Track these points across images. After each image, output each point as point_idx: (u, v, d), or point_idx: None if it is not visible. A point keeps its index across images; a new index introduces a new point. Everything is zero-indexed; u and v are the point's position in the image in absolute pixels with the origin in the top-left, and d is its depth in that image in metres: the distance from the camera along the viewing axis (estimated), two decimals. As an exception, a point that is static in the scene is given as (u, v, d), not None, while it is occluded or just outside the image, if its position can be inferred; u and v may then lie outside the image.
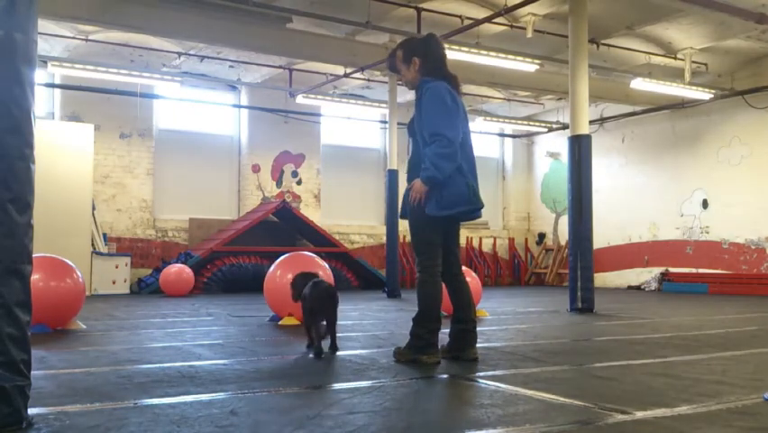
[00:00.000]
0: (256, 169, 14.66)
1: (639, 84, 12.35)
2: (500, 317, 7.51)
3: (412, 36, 4.43)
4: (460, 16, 10.42)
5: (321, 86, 13.27)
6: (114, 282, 11.90)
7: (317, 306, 4.30)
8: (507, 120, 16.15)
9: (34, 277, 2.57)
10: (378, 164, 16.18)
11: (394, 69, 4.16)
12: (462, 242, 16.95)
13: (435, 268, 3.93)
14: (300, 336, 5.28)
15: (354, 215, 15.83)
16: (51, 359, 4.12)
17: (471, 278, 7.50)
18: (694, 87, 12.72)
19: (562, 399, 2.92)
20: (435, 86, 3.87)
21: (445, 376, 3.54)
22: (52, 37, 11.30)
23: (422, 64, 3.97)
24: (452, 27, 10.31)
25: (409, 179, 4.07)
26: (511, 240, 17.79)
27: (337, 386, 3.26)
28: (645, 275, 15.13)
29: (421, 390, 3.14)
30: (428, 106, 3.84)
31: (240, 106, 14.64)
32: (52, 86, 12.63)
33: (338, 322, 4.55)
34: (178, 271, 11.24)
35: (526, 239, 17.97)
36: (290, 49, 11.15)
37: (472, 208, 3.95)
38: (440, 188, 3.80)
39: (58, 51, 12.09)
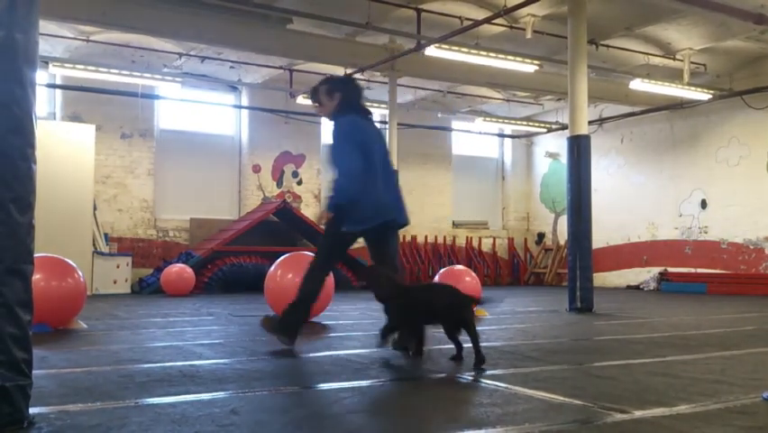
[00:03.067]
0: (257, 169, 14.67)
1: (638, 85, 12.37)
2: (500, 316, 7.53)
3: (335, 75, 5.13)
4: (459, 17, 10.43)
5: (321, 86, 13.26)
6: (115, 282, 11.90)
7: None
8: (506, 120, 16.17)
9: (35, 277, 2.58)
10: (378, 164, 16.17)
11: (315, 99, 4.76)
12: (462, 242, 16.98)
13: (325, 268, 4.60)
14: (301, 335, 5.28)
15: (354, 215, 15.84)
16: (53, 358, 4.13)
17: (471, 277, 7.54)
18: (693, 88, 12.73)
19: (561, 398, 2.93)
20: (344, 120, 4.53)
21: (445, 376, 3.55)
22: (53, 38, 11.31)
23: (341, 99, 4.62)
24: (452, 28, 10.32)
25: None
26: (510, 240, 17.80)
27: (337, 385, 3.27)
28: (644, 275, 15.13)
29: (421, 389, 3.15)
30: (336, 139, 4.51)
31: (240, 107, 14.65)
32: (53, 86, 12.64)
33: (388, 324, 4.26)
34: (179, 270, 11.25)
35: (526, 239, 17.98)
36: (291, 49, 11.17)
37: (387, 220, 4.47)
38: (353, 208, 4.38)
39: (59, 52, 12.10)
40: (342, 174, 4.38)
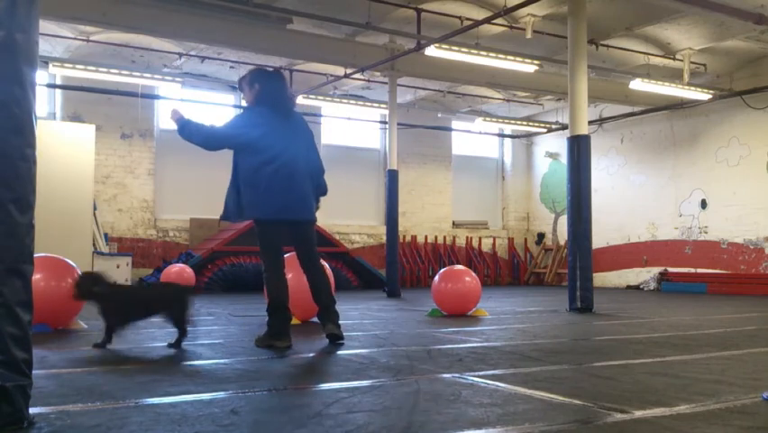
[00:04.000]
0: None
1: (638, 85, 12.36)
2: (500, 316, 7.53)
3: (261, 67, 5.28)
4: (459, 17, 10.43)
5: (321, 86, 13.29)
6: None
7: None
8: (506, 120, 16.17)
9: (35, 277, 2.58)
10: (378, 164, 16.19)
11: (240, 87, 4.98)
12: (462, 242, 16.98)
13: (272, 267, 4.72)
14: (301, 335, 5.29)
15: (354, 215, 15.84)
16: (53, 358, 4.13)
17: (471, 277, 7.54)
18: (693, 88, 12.73)
19: (561, 398, 2.93)
20: (249, 110, 4.81)
21: (445, 376, 3.55)
22: (53, 38, 11.31)
23: (259, 91, 4.79)
24: (452, 28, 10.32)
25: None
26: (510, 240, 17.81)
27: (337, 385, 3.27)
28: (644, 275, 15.14)
29: (421, 389, 3.15)
30: (235, 117, 4.91)
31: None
32: (54, 86, 12.65)
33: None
34: (179, 270, 11.24)
35: (526, 239, 17.98)
36: (291, 50, 11.16)
37: (284, 217, 4.70)
38: (247, 198, 4.63)
39: (59, 52, 12.10)
40: (212, 130, 4.65)
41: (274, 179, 4.59)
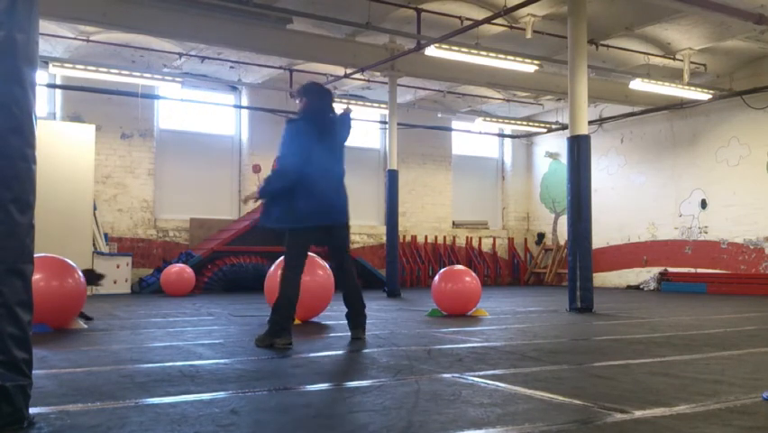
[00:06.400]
0: (257, 169, 14.61)
1: (638, 85, 12.36)
2: (500, 316, 7.53)
3: (314, 82, 5.60)
4: (459, 17, 10.43)
5: (321, 86, 13.26)
6: (115, 282, 11.90)
7: None
8: (506, 120, 16.17)
9: (35, 277, 2.58)
10: (378, 164, 16.19)
11: (293, 96, 5.40)
12: (462, 242, 16.98)
13: (296, 268, 4.88)
14: (301, 335, 5.29)
15: (354, 215, 15.69)
16: (53, 358, 4.13)
17: (471, 277, 7.54)
18: (693, 88, 12.72)
19: (561, 398, 2.93)
20: (293, 124, 5.04)
21: (445, 376, 3.55)
22: (53, 38, 11.31)
23: (305, 104, 5.10)
24: (452, 28, 10.32)
25: None
26: (510, 240, 17.81)
27: (337, 385, 3.27)
28: (644, 275, 15.14)
29: (421, 389, 3.15)
30: (284, 138, 5.02)
31: (240, 107, 14.65)
32: (54, 86, 12.64)
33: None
34: (179, 270, 11.25)
35: (526, 239, 17.98)
36: (291, 49, 11.16)
37: (326, 222, 4.96)
38: (294, 206, 4.82)
39: (59, 52, 12.10)
40: (279, 168, 4.92)
41: (316, 185, 4.87)
